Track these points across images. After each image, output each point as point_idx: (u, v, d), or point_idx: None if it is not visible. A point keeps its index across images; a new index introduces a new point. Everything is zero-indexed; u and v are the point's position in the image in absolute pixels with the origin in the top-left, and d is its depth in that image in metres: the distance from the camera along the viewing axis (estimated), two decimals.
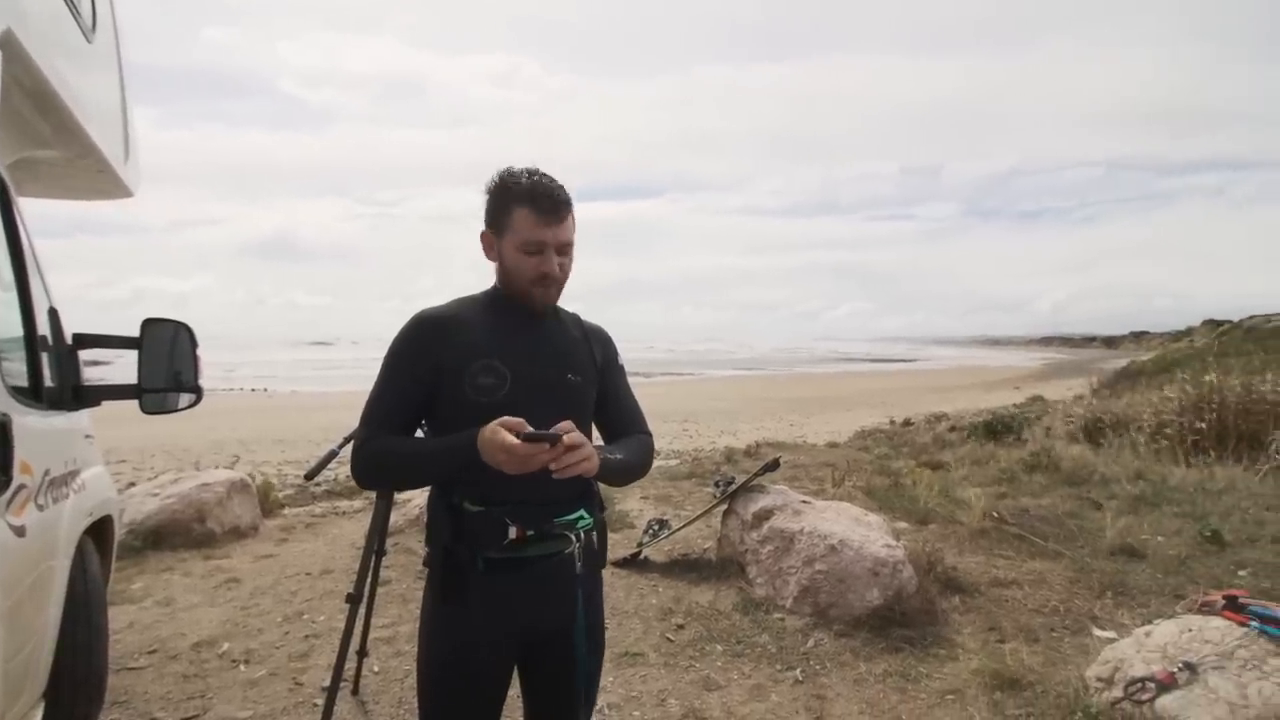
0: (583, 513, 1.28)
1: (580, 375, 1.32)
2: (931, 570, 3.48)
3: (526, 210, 1.23)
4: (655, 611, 3.26)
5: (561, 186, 1.26)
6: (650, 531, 3.97)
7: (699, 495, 5.95)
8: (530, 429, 1.11)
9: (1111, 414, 8.17)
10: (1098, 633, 2.92)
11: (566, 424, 1.13)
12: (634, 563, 3.88)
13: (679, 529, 3.90)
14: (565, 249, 1.28)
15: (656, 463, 10.63)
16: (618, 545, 4.22)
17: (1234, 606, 2.10)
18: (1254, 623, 2.01)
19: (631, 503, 5.73)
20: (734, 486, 3.63)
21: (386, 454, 1.22)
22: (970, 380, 29.96)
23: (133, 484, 6.35)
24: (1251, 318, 29.22)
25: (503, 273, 1.29)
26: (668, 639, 2.98)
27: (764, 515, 3.41)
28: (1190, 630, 2.09)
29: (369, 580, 2.30)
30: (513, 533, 1.21)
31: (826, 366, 46.77)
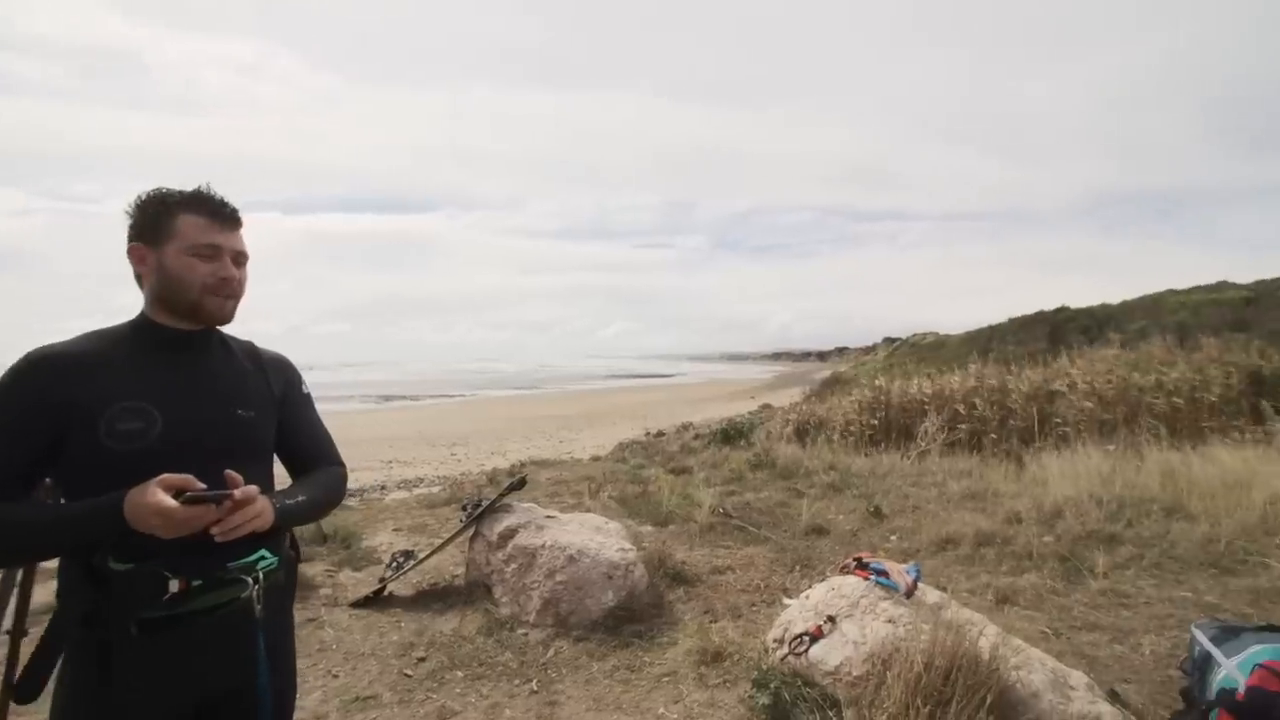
0: (264, 552, 1.17)
1: (254, 410, 1.22)
2: (662, 567, 3.87)
3: (194, 216, 1.13)
4: (395, 648, 3.13)
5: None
6: (394, 565, 3.80)
7: (456, 522, 5.83)
8: (201, 487, 1.00)
9: (815, 417, 9.80)
10: (786, 601, 3.50)
11: (235, 478, 1.05)
12: (377, 600, 3.68)
13: (425, 558, 3.80)
14: (241, 260, 1.19)
15: (417, 491, 10.03)
16: (361, 585, 3.96)
17: (862, 566, 2.71)
18: (873, 577, 2.62)
19: (381, 536, 5.40)
20: (480, 509, 3.65)
21: None
22: (716, 392, 33.62)
23: None
24: (914, 335, 37.90)
25: (163, 286, 1.14)
26: (405, 675, 2.88)
27: (509, 534, 3.48)
28: (834, 589, 2.64)
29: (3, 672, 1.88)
30: (174, 586, 1.06)
31: (596, 383, 48.72)
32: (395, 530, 5.61)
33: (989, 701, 1.97)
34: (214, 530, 1.02)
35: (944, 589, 3.83)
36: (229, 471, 1.06)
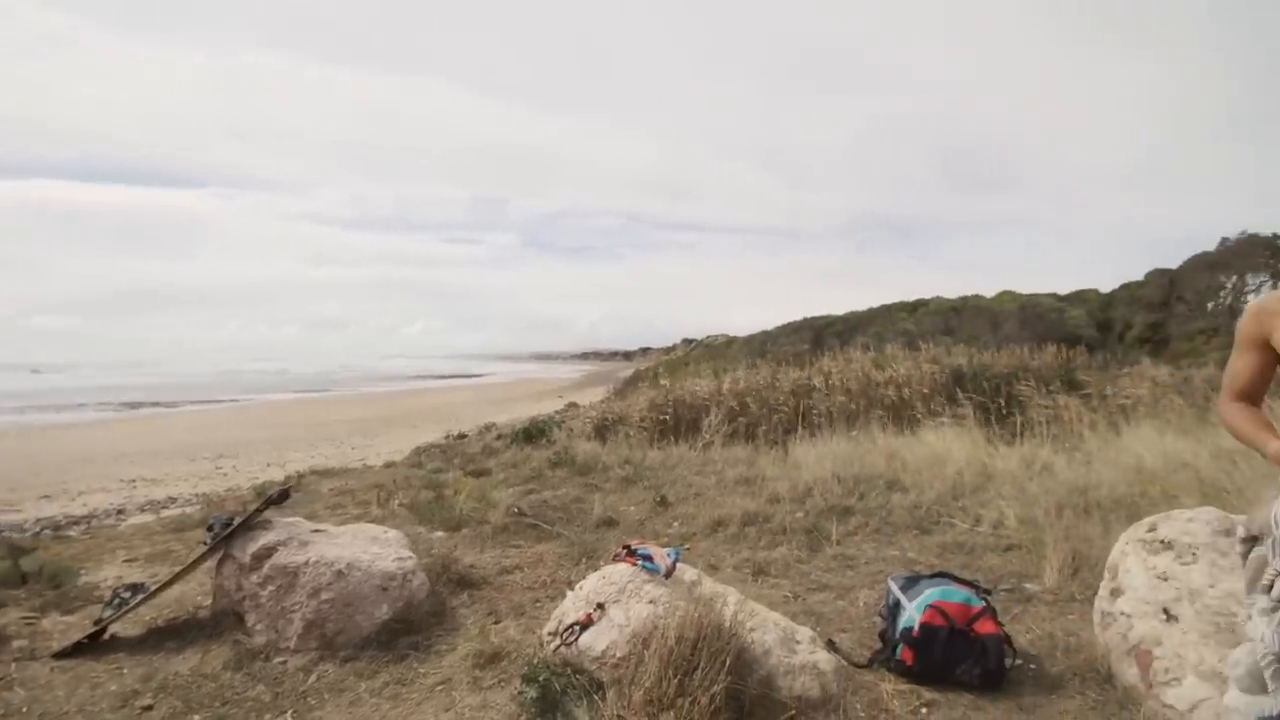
0: None
1: None
2: (446, 572, 3.77)
3: None
4: (112, 700, 2.67)
5: None
6: (116, 601, 3.24)
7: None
8: None
9: (614, 413, 10.18)
10: (570, 594, 3.61)
11: None
12: (93, 646, 3.10)
13: (157, 590, 3.29)
14: None
15: (166, 513, 8.64)
16: (73, 630, 3.31)
17: (631, 553, 2.89)
18: (640, 562, 2.81)
19: (108, 570, 4.57)
20: (231, 528, 3.25)
21: None
22: (525, 391, 33.39)
23: None
24: (708, 336, 41.39)
25: None
26: None
27: (265, 553, 3.15)
28: (605, 578, 2.78)
29: None
30: None
31: (398, 384, 45.59)
32: (128, 561, 4.78)
33: (728, 663, 2.22)
34: None
35: (714, 566, 4.23)
36: None
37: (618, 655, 2.43)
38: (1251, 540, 1.54)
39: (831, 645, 2.75)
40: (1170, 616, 2.29)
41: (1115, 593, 2.52)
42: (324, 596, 3.03)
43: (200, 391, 36.66)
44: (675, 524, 5.37)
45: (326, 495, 7.03)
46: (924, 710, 2.35)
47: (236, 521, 3.28)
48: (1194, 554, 2.40)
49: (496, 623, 3.32)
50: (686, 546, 4.75)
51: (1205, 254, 20.45)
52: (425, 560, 3.81)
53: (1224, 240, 20.24)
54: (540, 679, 2.38)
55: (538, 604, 3.54)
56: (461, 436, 11.71)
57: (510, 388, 39.64)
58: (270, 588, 3.08)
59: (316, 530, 3.42)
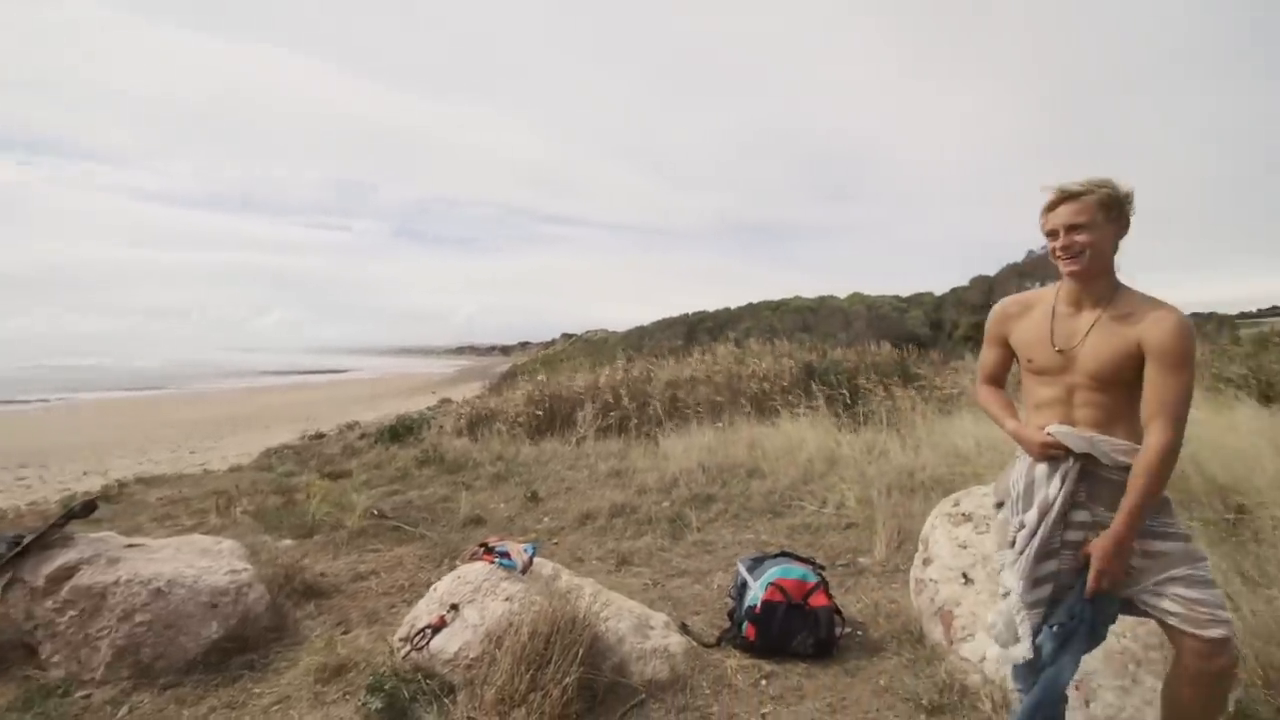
0: None
1: None
2: (290, 583, 3.52)
3: None
4: None
5: None
6: None
7: None
8: None
9: (489, 409, 9.95)
10: (424, 597, 3.49)
11: None
12: None
13: None
14: None
15: None
16: None
17: (489, 550, 2.85)
18: (498, 560, 2.78)
19: None
20: (20, 547, 2.82)
21: None
22: (395, 388, 31.73)
23: None
24: (588, 331, 41.60)
25: None
26: None
27: (64, 575, 2.77)
28: (460, 577, 2.73)
29: None
30: None
31: (249, 381, 41.47)
32: None
33: (580, 655, 2.26)
34: None
35: (579, 559, 4.27)
36: None
37: (471, 656, 2.40)
38: (1000, 505, 1.82)
39: (684, 628, 2.88)
40: (968, 580, 2.62)
41: (926, 562, 2.85)
42: (138, 619, 2.72)
43: (4, 391, 31.36)
44: (545, 519, 5.36)
45: (154, 505, 6.31)
46: (764, 682, 2.53)
47: (27, 540, 2.86)
48: (987, 524, 2.75)
49: (346, 633, 3.14)
50: (555, 540, 4.76)
51: (1015, 263, 23.70)
52: (267, 571, 3.54)
53: (1030, 252, 23.55)
54: (386, 687, 2.30)
55: (394, 610, 3.40)
56: (320, 436, 10.94)
57: (379, 384, 37.47)
58: (71, 613, 2.72)
59: (132, 545, 3.06)
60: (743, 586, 2.92)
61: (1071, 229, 1.62)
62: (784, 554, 3.13)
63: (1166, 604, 1.56)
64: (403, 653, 2.52)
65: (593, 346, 28.07)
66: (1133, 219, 1.64)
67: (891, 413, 7.29)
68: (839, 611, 2.81)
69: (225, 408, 22.38)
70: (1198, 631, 1.51)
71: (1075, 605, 1.64)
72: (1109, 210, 1.60)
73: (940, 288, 27.97)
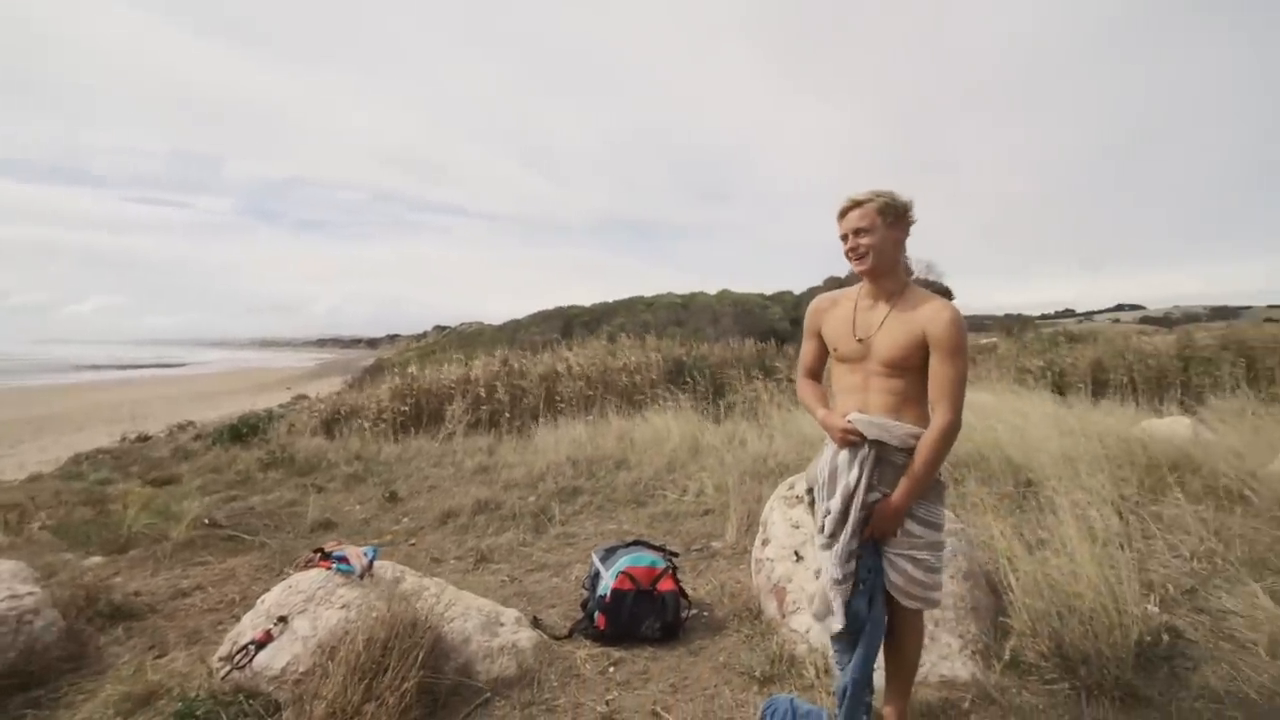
0: None
1: None
2: (93, 605, 3.12)
3: None
4: None
5: None
6: None
7: None
8: None
9: (348, 406, 9.35)
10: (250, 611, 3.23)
11: None
12: None
13: None
14: None
15: None
16: None
17: (325, 556, 2.69)
18: (335, 565, 2.63)
19: None
20: None
21: None
22: (243, 384, 28.86)
23: None
24: (462, 324, 40.38)
25: None
26: None
27: None
28: (291, 587, 2.55)
29: None
30: None
31: (57, 377, 35.83)
32: None
33: (420, 659, 2.19)
34: None
35: (437, 559, 4.15)
36: None
37: (300, 670, 2.25)
38: (810, 491, 2.00)
39: (536, 622, 2.88)
40: (799, 558, 2.84)
41: (765, 542, 3.04)
42: None
43: None
44: (404, 519, 5.14)
45: None
46: (612, 669, 2.59)
47: None
48: None
49: (160, 656, 2.84)
50: (412, 541, 4.57)
51: None
52: (64, 594, 3.12)
53: None
54: (199, 713, 2.10)
55: (220, 627, 3.11)
56: (145, 439, 9.75)
57: (225, 379, 33.95)
58: None
59: None
60: (595, 577, 2.97)
61: (857, 233, 1.81)
62: (637, 542, 3.21)
63: (893, 575, 1.87)
64: (223, 673, 2.32)
65: (467, 340, 27.15)
66: (914, 225, 1.85)
67: (751, 403, 7.70)
68: (684, 594, 2.94)
69: (26, 408, 19.29)
70: (903, 601, 1.88)
71: (869, 561, 1.87)
72: (887, 216, 1.80)
73: (799, 286, 30.01)
